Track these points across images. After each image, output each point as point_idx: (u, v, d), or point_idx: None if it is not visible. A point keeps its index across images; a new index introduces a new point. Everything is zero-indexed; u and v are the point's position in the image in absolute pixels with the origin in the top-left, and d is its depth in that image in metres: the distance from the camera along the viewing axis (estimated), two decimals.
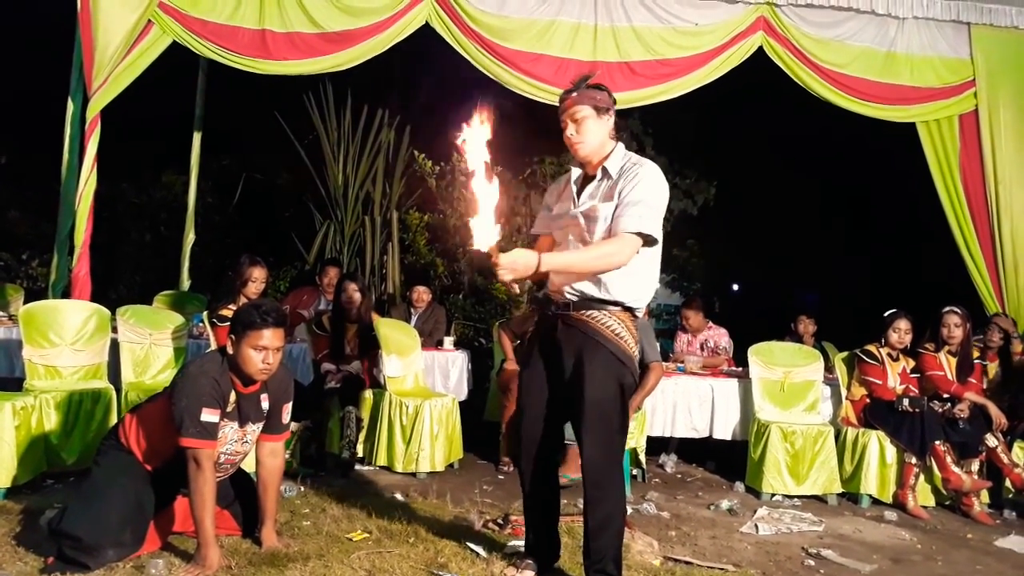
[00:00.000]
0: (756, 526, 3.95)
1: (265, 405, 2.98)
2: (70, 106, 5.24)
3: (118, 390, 4.39)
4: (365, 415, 4.77)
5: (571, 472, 4.49)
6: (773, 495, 4.57)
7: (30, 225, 9.03)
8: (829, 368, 5.32)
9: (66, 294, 5.14)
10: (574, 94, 2.65)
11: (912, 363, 4.81)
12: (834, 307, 8.92)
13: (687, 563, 3.22)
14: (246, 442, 2.98)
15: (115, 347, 4.61)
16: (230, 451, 2.93)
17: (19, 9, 7.88)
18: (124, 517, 2.73)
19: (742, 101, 7.08)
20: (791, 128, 7.82)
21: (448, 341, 5.73)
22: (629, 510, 4.05)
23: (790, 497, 4.56)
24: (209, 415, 2.73)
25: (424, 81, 7.56)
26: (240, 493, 3.11)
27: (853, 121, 5.87)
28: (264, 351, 2.80)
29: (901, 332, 4.74)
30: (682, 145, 8.40)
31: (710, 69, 5.55)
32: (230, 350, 2.84)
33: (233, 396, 2.85)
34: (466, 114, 2.48)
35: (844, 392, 4.97)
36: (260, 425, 2.99)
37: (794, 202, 10.00)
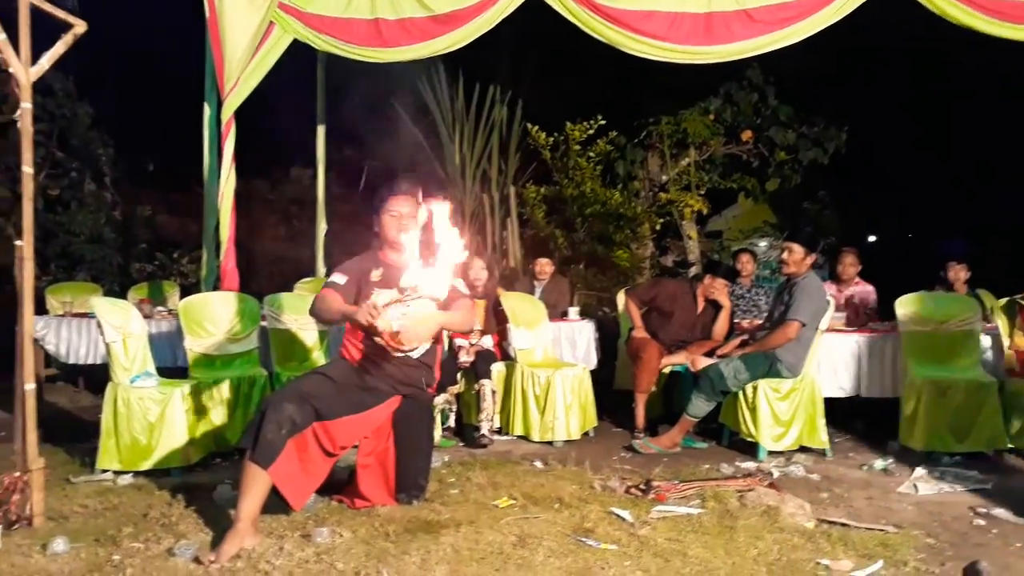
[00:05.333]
0: (915, 486, 3.74)
1: None
2: (206, 110, 5.58)
3: (270, 374, 4.68)
4: (499, 387, 4.87)
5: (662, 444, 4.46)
6: (931, 453, 4.31)
7: (178, 226, 9.76)
8: (986, 317, 4.94)
9: (215, 287, 5.51)
10: None
11: None
12: (986, 253, 8.21)
13: (843, 525, 3.10)
14: (408, 306, 3.03)
15: (263, 333, 4.91)
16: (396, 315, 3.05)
17: (149, 29, 8.50)
18: (313, 387, 3.04)
19: (872, 36, 6.54)
20: (930, 62, 7.20)
21: (573, 311, 5.73)
22: (776, 473, 3.95)
23: (951, 455, 4.28)
24: (338, 276, 3.28)
25: (532, 53, 7.51)
26: (401, 452, 3.25)
27: (1001, 49, 5.34)
28: (397, 217, 3.26)
29: None
30: (808, 91, 7.91)
31: (835, 8, 5.18)
32: (376, 228, 3.34)
33: (380, 272, 3.28)
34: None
35: (1006, 342, 4.59)
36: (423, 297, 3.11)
37: (935, 144, 9.24)
